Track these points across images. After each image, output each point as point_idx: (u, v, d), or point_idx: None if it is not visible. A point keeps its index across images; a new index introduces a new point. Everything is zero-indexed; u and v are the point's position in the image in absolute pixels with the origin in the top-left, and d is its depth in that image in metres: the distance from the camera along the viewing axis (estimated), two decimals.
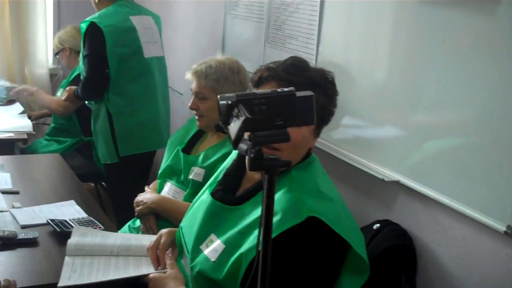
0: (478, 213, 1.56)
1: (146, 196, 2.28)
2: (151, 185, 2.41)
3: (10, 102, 3.90)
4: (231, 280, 1.47)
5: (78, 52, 3.52)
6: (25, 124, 3.51)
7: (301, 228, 1.42)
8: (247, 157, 1.03)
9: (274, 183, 1.01)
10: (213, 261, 1.51)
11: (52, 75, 4.32)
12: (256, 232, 1.43)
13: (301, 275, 1.44)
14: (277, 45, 2.58)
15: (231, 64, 2.28)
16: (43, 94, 3.77)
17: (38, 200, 2.25)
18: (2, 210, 2.12)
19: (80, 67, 3.13)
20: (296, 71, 1.53)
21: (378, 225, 1.87)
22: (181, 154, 2.30)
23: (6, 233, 1.87)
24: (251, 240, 1.45)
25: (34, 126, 3.67)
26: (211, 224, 1.59)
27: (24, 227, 1.99)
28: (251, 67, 2.64)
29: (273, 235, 1.37)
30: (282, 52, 2.51)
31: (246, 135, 1.03)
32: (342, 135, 2.17)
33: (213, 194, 1.64)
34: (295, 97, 1.04)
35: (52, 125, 3.75)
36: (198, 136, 2.39)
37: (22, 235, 1.89)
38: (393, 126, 1.91)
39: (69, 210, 2.16)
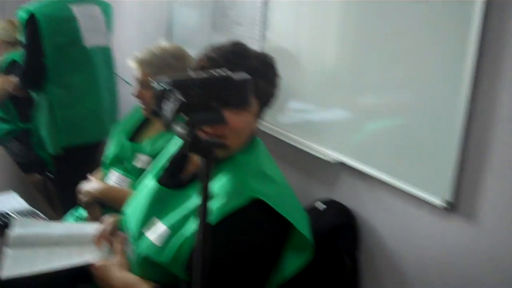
0: (417, 189, 1.61)
1: (90, 185, 2.25)
2: (95, 174, 2.38)
3: None
4: (177, 263, 1.47)
5: (9, 43, 3.60)
6: None
7: (244, 210, 1.44)
8: (184, 140, 1.03)
9: (211, 165, 1.02)
10: (158, 246, 1.51)
11: None
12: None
13: (244, 255, 1.46)
14: (223, 32, 2.57)
15: (175, 51, 2.26)
16: None
17: None
18: None
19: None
20: (236, 59, 1.54)
21: (322, 205, 1.90)
22: (126, 142, 2.28)
23: None
24: (196, 224, 1.46)
25: None
26: (155, 209, 1.59)
27: None
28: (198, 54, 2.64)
29: (217, 218, 1.42)
30: (229, 38, 2.49)
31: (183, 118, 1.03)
32: (289, 119, 2.20)
33: (157, 180, 1.64)
34: (231, 80, 1.04)
35: None
36: (144, 123, 2.37)
37: None
38: (338, 110, 1.94)
39: (10, 202, 2.11)
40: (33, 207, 2.07)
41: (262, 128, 2.30)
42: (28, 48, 2.98)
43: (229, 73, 1.06)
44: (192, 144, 1.00)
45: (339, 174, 1.94)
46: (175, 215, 1.53)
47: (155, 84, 1.01)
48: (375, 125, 1.78)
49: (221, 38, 2.58)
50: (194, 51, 2.45)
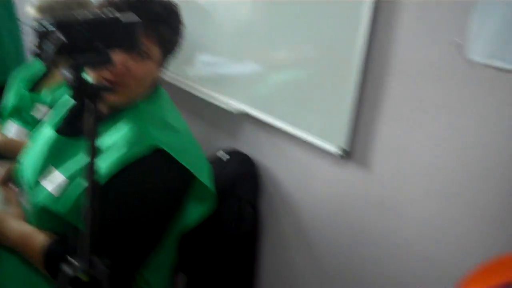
0: (316, 138, 1.66)
1: None
2: None
3: None
4: (75, 213, 1.45)
5: None
6: None
7: (145, 159, 1.43)
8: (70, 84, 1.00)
9: (97, 109, 1.00)
10: (56, 196, 1.48)
11: None
12: (105, 161, 1.43)
13: (145, 203, 1.46)
14: None
15: None
16: None
17: None
18: None
19: None
20: (138, 3, 1.50)
21: (226, 155, 1.92)
22: (25, 92, 2.19)
23: None
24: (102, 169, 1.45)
25: None
26: (53, 158, 1.55)
27: None
28: None
29: (118, 167, 1.41)
30: None
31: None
32: (197, 71, 2.18)
33: (55, 129, 1.59)
34: (119, 22, 1.01)
35: None
36: (45, 74, 2.28)
37: None
38: (245, 63, 1.94)
39: None
40: None
41: (167, 78, 2.27)
42: None
43: (117, 14, 1.03)
44: (78, 88, 0.97)
45: (242, 125, 1.96)
46: (73, 164, 1.50)
47: (36, 25, 0.97)
48: (279, 77, 1.80)
49: None
50: None
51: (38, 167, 1.56)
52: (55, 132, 1.58)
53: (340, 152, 1.59)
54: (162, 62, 1.57)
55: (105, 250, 1.35)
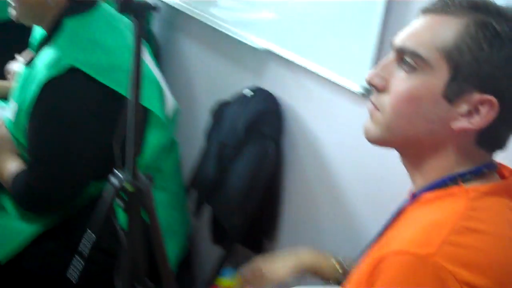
0: (338, 76, 1.68)
1: (18, 65, 2.19)
2: (23, 54, 2.31)
3: None
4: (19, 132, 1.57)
5: None
6: None
7: (59, 78, 1.46)
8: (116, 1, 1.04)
9: (143, 26, 1.04)
10: (13, 121, 1.58)
11: None
12: (33, 84, 1.49)
13: (64, 124, 1.50)
14: None
15: None
16: None
17: None
18: None
19: None
20: None
21: (250, 92, 1.96)
22: None
23: None
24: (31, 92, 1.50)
25: None
26: (16, 89, 1.62)
27: None
28: None
29: (39, 89, 1.45)
30: None
31: None
32: (220, 9, 2.20)
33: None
34: None
35: None
36: None
37: None
38: (265, 3, 1.94)
39: None
40: None
41: (192, 14, 2.29)
42: None
43: None
44: (123, 4, 1.01)
45: (267, 62, 1.98)
46: (21, 89, 1.56)
47: None
48: (302, 16, 1.81)
49: None
50: None
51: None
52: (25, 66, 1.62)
53: (362, 90, 1.62)
54: None
55: (40, 166, 1.47)
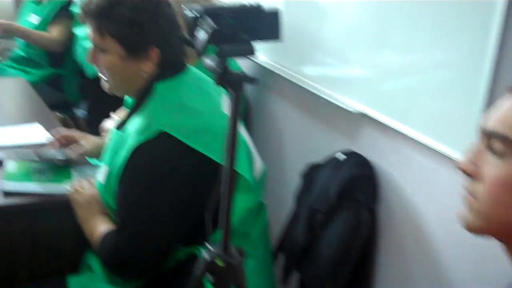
0: (437, 143, 1.60)
1: (113, 123, 2.25)
2: (118, 112, 2.38)
3: None
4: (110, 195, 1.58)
5: None
6: None
7: (150, 142, 1.46)
8: (214, 72, 1.03)
9: (239, 98, 1.02)
10: (102, 184, 1.60)
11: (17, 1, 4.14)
12: (124, 149, 1.51)
13: (153, 189, 1.49)
14: None
15: None
16: (21, 27, 3.54)
17: (2, 122, 2.22)
18: None
19: None
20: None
21: (343, 156, 1.90)
22: None
23: None
24: (121, 157, 1.52)
25: None
26: (107, 152, 1.65)
27: None
28: None
29: (125, 153, 1.47)
30: None
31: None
32: (312, 69, 2.18)
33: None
34: (261, 12, 1.03)
35: (20, 53, 3.62)
36: None
37: None
38: (362, 63, 1.91)
39: (34, 133, 2.14)
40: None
41: (284, 74, 2.28)
42: None
43: (260, 3, 1.05)
44: (221, 76, 0.99)
45: (361, 125, 1.93)
46: (112, 152, 1.58)
47: (187, 11, 1.00)
48: (401, 78, 1.76)
49: None
50: None
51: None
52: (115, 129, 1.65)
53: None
54: (127, 55, 1.53)
55: (133, 230, 1.48)
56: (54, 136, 1.91)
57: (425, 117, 1.65)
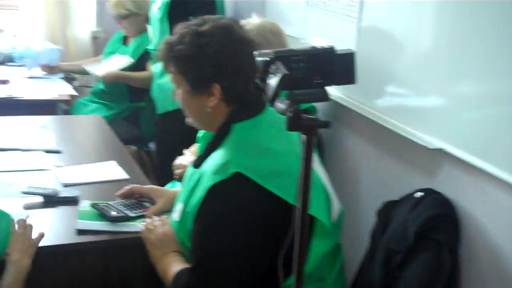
0: None
1: (186, 159, 2.27)
2: (190, 148, 2.40)
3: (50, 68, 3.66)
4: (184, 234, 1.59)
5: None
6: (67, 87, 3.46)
7: (227, 184, 1.46)
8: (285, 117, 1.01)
9: (312, 143, 0.98)
10: (177, 221, 1.61)
11: (94, 37, 4.30)
12: (200, 188, 1.52)
13: (228, 230, 1.48)
14: (319, 8, 2.53)
15: (272, 27, 2.23)
16: (129, 74, 3.63)
17: (80, 159, 2.28)
18: (45, 169, 2.15)
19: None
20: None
21: (420, 193, 1.83)
22: None
23: (48, 190, 1.90)
24: (197, 196, 1.53)
25: (77, 89, 3.66)
26: (183, 190, 1.67)
27: (66, 185, 2.01)
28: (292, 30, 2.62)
29: (201, 193, 1.48)
30: (324, 16, 2.46)
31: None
32: (386, 103, 2.12)
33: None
34: (334, 54, 1.00)
35: (101, 87, 3.73)
36: None
37: (63, 193, 1.92)
38: (438, 95, 1.84)
39: (110, 171, 2.18)
40: (130, 176, 2.14)
41: (357, 110, 2.23)
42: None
43: (333, 46, 1.02)
44: (293, 121, 0.97)
45: (438, 161, 1.85)
46: (188, 191, 1.60)
47: (258, 57, 0.99)
48: (480, 113, 1.68)
49: (316, 15, 2.55)
50: (288, 27, 2.44)
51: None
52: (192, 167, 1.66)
53: None
54: (192, 91, 1.56)
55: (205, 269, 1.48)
56: (124, 191, 1.92)
57: (508, 152, 1.56)
